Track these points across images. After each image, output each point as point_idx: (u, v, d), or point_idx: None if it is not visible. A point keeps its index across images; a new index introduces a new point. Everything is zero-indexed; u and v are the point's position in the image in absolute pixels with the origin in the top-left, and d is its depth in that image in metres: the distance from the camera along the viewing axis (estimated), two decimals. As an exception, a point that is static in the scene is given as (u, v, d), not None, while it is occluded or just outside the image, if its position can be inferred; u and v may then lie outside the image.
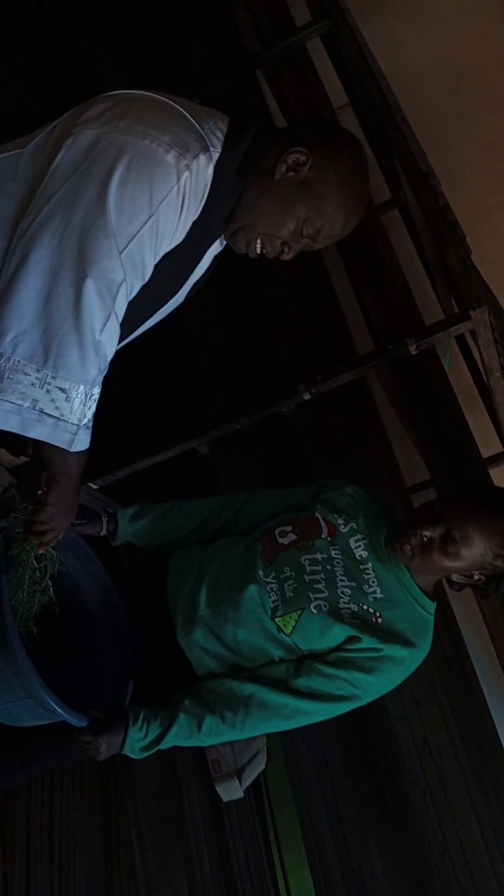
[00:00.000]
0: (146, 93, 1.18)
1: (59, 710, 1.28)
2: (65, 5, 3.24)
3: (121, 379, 1.18)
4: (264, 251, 1.29)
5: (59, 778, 2.46)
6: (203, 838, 2.26)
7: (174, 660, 1.49)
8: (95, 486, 2.14)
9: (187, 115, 1.17)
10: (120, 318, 1.14)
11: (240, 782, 2.23)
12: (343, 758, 1.97)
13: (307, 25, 2.45)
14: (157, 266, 1.18)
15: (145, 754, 1.39)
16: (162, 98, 1.18)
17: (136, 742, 1.37)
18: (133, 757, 1.39)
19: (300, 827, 2.00)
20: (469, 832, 1.82)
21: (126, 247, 1.10)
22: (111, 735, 1.36)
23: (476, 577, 1.47)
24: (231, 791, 2.23)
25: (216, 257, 1.38)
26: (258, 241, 1.27)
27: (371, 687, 1.42)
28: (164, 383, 2.68)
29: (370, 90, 2.37)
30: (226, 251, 1.38)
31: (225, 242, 1.34)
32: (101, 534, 1.58)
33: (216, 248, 1.34)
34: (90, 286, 1.07)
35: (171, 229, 1.16)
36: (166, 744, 1.38)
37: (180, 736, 1.38)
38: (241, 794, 2.24)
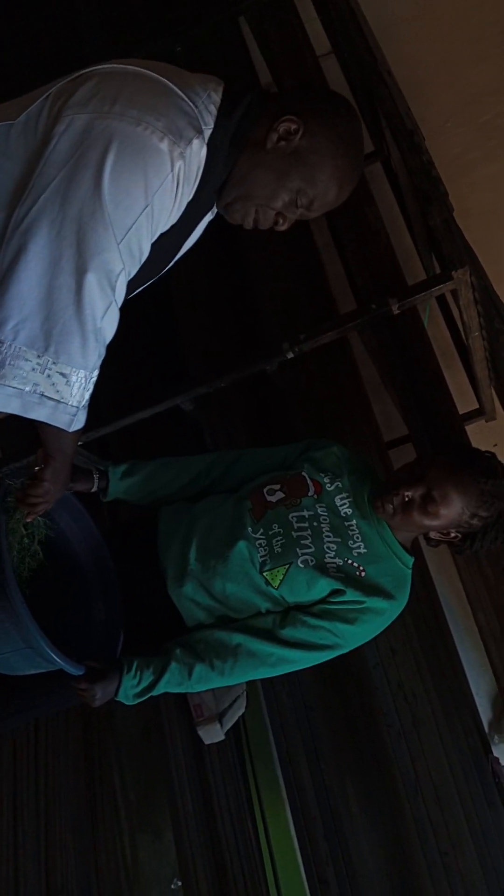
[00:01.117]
0: (137, 68, 1.15)
1: (58, 660, 1.32)
2: None
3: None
4: (259, 223, 1.29)
5: (44, 725, 2.53)
6: (185, 779, 2.34)
7: (165, 611, 1.54)
8: (79, 444, 2.16)
9: (180, 93, 1.14)
10: (119, 304, 1.16)
11: (221, 726, 2.31)
12: (322, 702, 2.06)
13: (292, -29, 2.40)
14: (152, 245, 1.18)
15: (138, 700, 1.45)
16: (153, 75, 1.15)
17: (130, 689, 1.43)
18: (126, 703, 1.45)
19: (280, 768, 2.09)
20: (440, 771, 1.92)
21: (124, 237, 1.10)
22: (106, 682, 1.41)
23: (453, 535, 1.53)
24: (213, 734, 2.31)
25: (208, 224, 1.38)
26: (252, 212, 1.27)
27: (353, 636, 1.49)
28: (147, 340, 2.67)
29: (355, 42, 2.34)
30: (216, 216, 1.38)
31: (216, 211, 1.34)
32: (93, 490, 1.61)
33: (208, 217, 1.34)
34: (91, 278, 1.08)
35: (167, 214, 1.17)
36: (158, 690, 1.44)
37: (171, 683, 1.44)
38: (223, 737, 2.32)
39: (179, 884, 2.40)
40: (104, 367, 1.17)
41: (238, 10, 2.63)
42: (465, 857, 1.88)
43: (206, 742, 2.33)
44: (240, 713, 2.51)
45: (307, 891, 1.99)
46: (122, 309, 1.16)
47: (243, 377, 2.08)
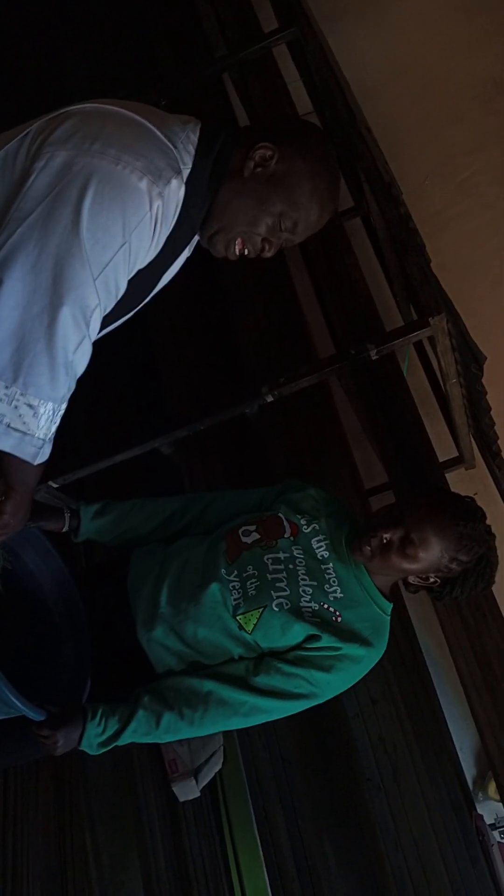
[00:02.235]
0: (118, 109, 1.18)
1: (18, 704, 1.27)
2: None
3: (83, 377, 1.19)
4: (246, 251, 1.30)
5: (13, 778, 2.43)
6: (159, 838, 2.26)
7: (134, 656, 1.50)
8: (56, 486, 2.14)
9: (159, 134, 1.17)
10: (93, 338, 1.15)
11: (196, 782, 2.23)
12: (299, 755, 2.00)
13: (275, 32, 2.49)
14: (129, 280, 1.19)
15: (102, 750, 1.39)
16: (133, 116, 1.17)
17: (94, 737, 1.37)
18: (90, 753, 1.39)
19: (256, 825, 2.02)
20: (421, 825, 1.86)
21: (101, 273, 1.11)
22: (69, 729, 1.35)
23: (432, 580, 1.51)
24: (187, 791, 2.23)
25: (190, 267, 1.39)
26: (237, 241, 1.28)
27: (329, 685, 1.45)
28: (126, 382, 2.67)
29: (335, 99, 2.41)
30: (195, 252, 1.39)
31: (194, 247, 1.35)
32: (63, 530, 1.58)
33: (185, 254, 1.35)
34: (65, 313, 1.08)
35: (144, 252, 1.18)
36: (124, 740, 1.38)
37: (138, 732, 1.39)
38: (198, 794, 2.24)
39: None
40: (84, 409, 1.16)
41: (222, 67, 2.71)
42: (448, 919, 1.81)
43: (181, 799, 2.26)
44: (216, 769, 2.43)
45: None
46: (105, 351, 1.16)
47: (223, 420, 2.08)
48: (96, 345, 1.21)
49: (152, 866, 2.24)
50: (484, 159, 3.74)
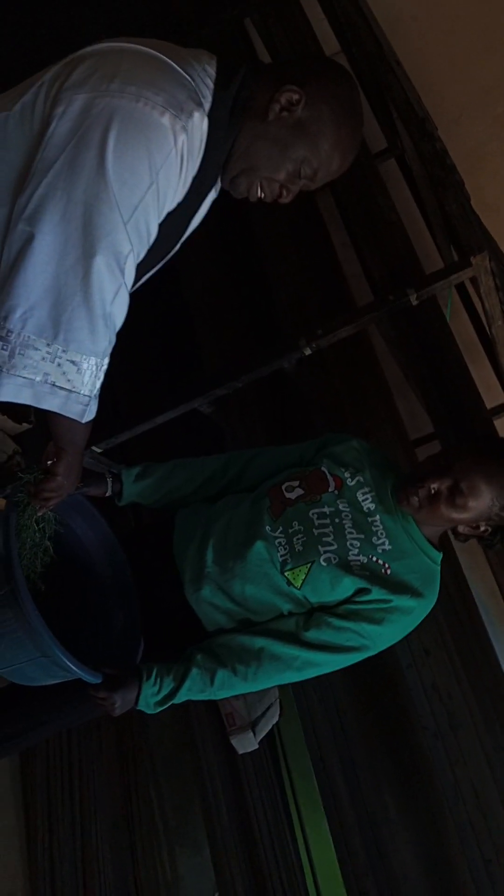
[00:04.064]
0: (132, 45, 1.14)
1: (74, 668, 1.29)
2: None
3: (119, 339, 1.17)
4: (262, 195, 1.26)
5: (76, 737, 2.51)
6: (220, 790, 2.31)
7: (184, 617, 1.50)
8: (99, 450, 2.14)
9: (177, 67, 1.13)
10: (129, 287, 1.14)
11: (254, 735, 2.26)
12: (354, 706, 2.00)
13: (295, -32, 2.38)
14: (159, 225, 1.16)
15: (160, 709, 1.41)
16: (149, 51, 1.14)
17: (151, 697, 1.39)
18: (147, 712, 1.41)
19: (315, 776, 2.04)
20: (480, 774, 1.85)
21: (131, 216, 1.09)
22: (125, 691, 1.37)
23: (482, 528, 1.47)
24: (246, 743, 2.27)
25: (213, 203, 1.36)
26: (258, 184, 1.24)
27: (380, 637, 1.44)
28: (163, 343, 2.66)
29: (361, 34, 2.31)
30: (220, 195, 1.35)
31: (220, 187, 1.31)
32: (107, 494, 1.58)
33: (213, 195, 1.32)
34: (99, 261, 1.07)
35: (173, 191, 1.15)
36: (180, 698, 1.40)
37: (193, 690, 1.40)
38: (256, 746, 2.28)
39: (220, 899, 2.35)
40: (123, 373, 1.15)
41: (243, 12, 2.62)
42: (511, 864, 1.81)
43: (240, 751, 2.29)
44: (273, 721, 2.46)
45: (348, 903, 1.92)
46: (139, 311, 1.14)
47: (261, 377, 2.05)
48: (132, 304, 1.20)
49: (215, 818, 2.29)
50: (522, 91, 3.57)
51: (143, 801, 2.57)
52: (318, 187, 1.28)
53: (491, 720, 1.90)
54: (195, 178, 1.18)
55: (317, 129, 1.19)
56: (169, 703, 1.40)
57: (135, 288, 1.30)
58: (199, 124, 1.12)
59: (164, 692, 1.39)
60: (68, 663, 1.28)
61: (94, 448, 2.12)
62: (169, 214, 1.17)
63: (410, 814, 1.91)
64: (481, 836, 1.81)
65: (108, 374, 1.19)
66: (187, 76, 1.13)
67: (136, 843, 2.48)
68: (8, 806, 2.43)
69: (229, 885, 2.18)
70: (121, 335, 1.19)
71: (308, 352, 1.98)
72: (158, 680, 1.39)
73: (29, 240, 1.06)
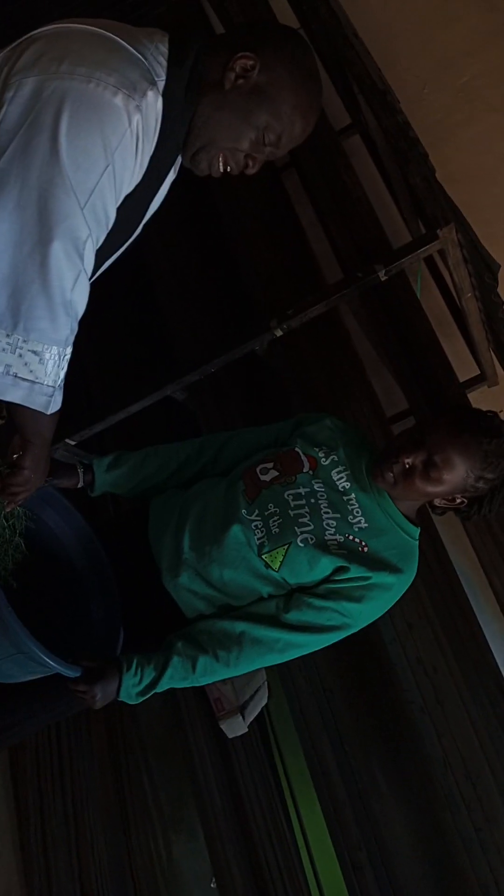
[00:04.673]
0: (81, 26, 1.11)
1: (51, 663, 1.28)
2: None
3: (88, 330, 1.15)
4: (228, 167, 1.24)
5: (65, 729, 2.49)
6: (212, 775, 2.31)
7: (163, 605, 1.50)
8: (73, 443, 2.12)
9: (128, 46, 1.10)
10: (89, 273, 1.11)
11: (243, 718, 2.27)
12: (340, 684, 2.01)
13: None
14: (118, 209, 1.14)
15: (142, 699, 1.40)
16: (98, 31, 1.11)
17: (132, 687, 1.38)
18: (129, 702, 1.40)
19: (304, 755, 2.05)
20: (468, 745, 1.87)
21: (88, 201, 1.06)
22: (106, 683, 1.36)
23: (458, 501, 1.47)
24: (235, 727, 2.27)
25: (172, 184, 1.33)
26: (220, 157, 1.22)
27: (361, 615, 1.44)
28: (134, 331, 2.63)
29: (319, 7, 2.28)
30: (182, 173, 1.33)
31: (178, 168, 1.29)
32: (79, 486, 1.57)
33: (171, 176, 1.29)
34: (56, 248, 1.04)
35: (130, 173, 1.12)
36: (162, 686, 1.39)
37: (175, 678, 1.39)
38: (246, 730, 2.28)
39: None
40: (94, 363, 1.13)
41: (199, -11, 2.58)
42: (502, 831, 1.83)
43: (230, 736, 2.29)
44: (262, 704, 2.47)
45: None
46: (107, 298, 1.12)
47: (233, 360, 2.04)
48: (98, 293, 1.18)
49: (208, 802, 2.29)
50: (484, 60, 3.53)
51: (135, 790, 2.57)
52: (283, 155, 1.27)
53: (476, 691, 1.91)
54: (152, 159, 1.15)
55: (275, 93, 1.17)
56: (151, 693, 1.39)
57: (97, 275, 1.27)
58: (154, 103, 1.10)
59: (146, 682, 1.38)
60: (45, 658, 1.26)
61: (68, 440, 2.10)
62: (127, 197, 1.15)
63: (400, 787, 1.93)
64: (471, 805, 1.83)
65: (78, 364, 1.17)
66: (139, 55, 1.10)
67: (131, 832, 2.48)
68: (-1, 801, 2.43)
69: (225, 869, 2.19)
70: (91, 325, 1.17)
71: (279, 333, 1.97)
72: (139, 670, 1.38)
73: None
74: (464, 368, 2.65)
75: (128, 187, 1.14)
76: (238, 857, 2.22)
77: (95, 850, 2.37)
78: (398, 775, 1.93)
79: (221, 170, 1.24)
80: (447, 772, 1.88)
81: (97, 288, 1.20)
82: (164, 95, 1.11)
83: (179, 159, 1.27)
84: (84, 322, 1.15)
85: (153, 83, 1.10)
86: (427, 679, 1.92)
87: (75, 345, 1.16)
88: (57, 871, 2.31)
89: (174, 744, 2.63)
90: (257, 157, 1.23)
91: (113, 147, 1.06)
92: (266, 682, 2.49)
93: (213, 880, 2.46)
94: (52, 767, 2.44)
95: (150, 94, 1.09)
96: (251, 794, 2.31)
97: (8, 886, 2.32)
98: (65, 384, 1.17)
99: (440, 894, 1.85)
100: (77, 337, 1.15)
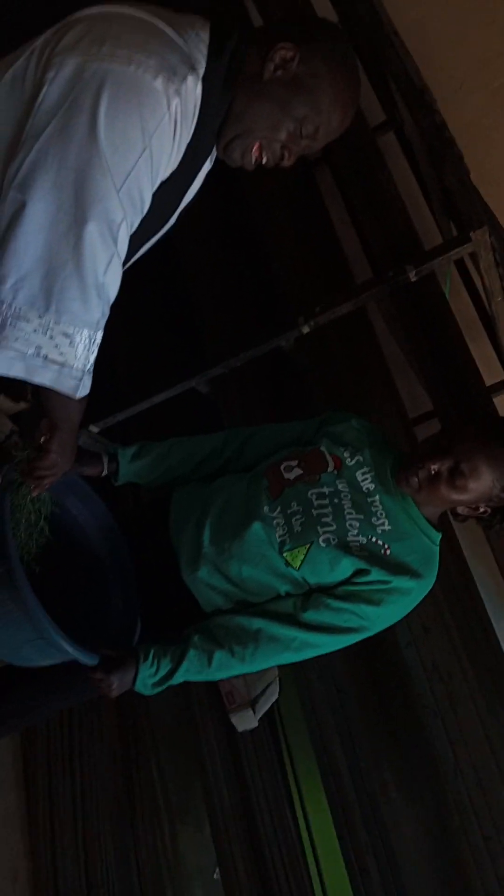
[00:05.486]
0: (124, 9, 1.11)
1: (70, 650, 1.29)
2: None
3: (116, 318, 1.15)
4: (264, 159, 1.23)
5: (77, 716, 2.51)
6: (221, 768, 2.31)
7: (182, 598, 1.50)
8: (96, 430, 2.13)
9: (169, 31, 1.10)
10: (122, 258, 1.11)
11: (254, 713, 2.27)
12: (354, 685, 2.00)
13: None
14: (153, 195, 1.13)
15: (157, 690, 1.40)
16: (140, 14, 1.11)
17: (148, 678, 1.38)
18: (145, 693, 1.40)
19: (315, 754, 2.04)
20: (480, 752, 1.86)
21: (124, 183, 1.06)
22: (122, 672, 1.37)
23: (482, 510, 1.46)
24: (246, 721, 2.27)
25: (210, 178, 1.33)
26: (255, 147, 1.21)
27: (379, 618, 1.43)
28: (161, 322, 2.63)
29: (358, 4, 2.26)
30: (216, 167, 1.32)
31: (215, 158, 1.28)
32: (103, 474, 1.57)
33: (207, 166, 1.29)
34: (91, 229, 1.04)
35: (167, 158, 1.12)
36: (177, 679, 1.39)
37: (191, 671, 1.39)
38: (256, 724, 2.28)
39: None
40: (121, 351, 1.12)
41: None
42: (511, 840, 1.82)
43: (240, 729, 2.29)
44: (273, 699, 2.47)
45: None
46: (138, 288, 1.11)
47: (259, 355, 2.03)
48: (129, 281, 1.17)
49: (215, 795, 2.30)
50: (521, 62, 3.50)
51: (143, 779, 2.58)
52: (317, 151, 1.26)
53: (491, 699, 1.90)
54: (189, 146, 1.15)
55: (314, 84, 1.16)
56: (166, 685, 1.40)
57: (130, 263, 1.27)
58: (193, 89, 1.10)
59: (162, 673, 1.38)
60: (64, 645, 1.27)
61: (91, 427, 2.11)
62: (163, 184, 1.15)
63: (410, 791, 1.92)
64: (481, 813, 1.82)
65: (106, 352, 1.17)
66: (180, 40, 1.10)
67: (137, 821, 2.50)
68: (9, 785, 2.44)
69: (230, 862, 2.19)
70: (120, 313, 1.17)
71: (306, 330, 1.96)
72: (155, 661, 1.38)
73: (21, 207, 1.03)
74: (490, 373, 2.62)
75: (164, 173, 1.14)
76: (243, 851, 2.23)
77: (102, 836, 2.39)
78: (408, 779, 1.93)
79: (254, 161, 1.23)
80: (457, 778, 1.87)
81: (129, 276, 1.19)
82: (203, 82, 1.11)
83: (215, 150, 1.26)
84: (113, 309, 1.15)
85: (193, 69, 1.09)
86: (441, 684, 1.91)
87: (104, 331, 1.15)
88: (63, 856, 2.33)
89: (184, 735, 2.63)
90: (293, 148, 1.22)
91: (151, 130, 1.06)
92: (278, 678, 2.49)
93: (217, 872, 2.47)
94: (63, 754, 2.46)
95: (190, 79, 1.08)
96: (258, 788, 2.31)
97: (15, 868, 2.34)
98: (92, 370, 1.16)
99: (446, 901, 1.84)
100: (106, 323, 1.15)
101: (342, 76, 1.18)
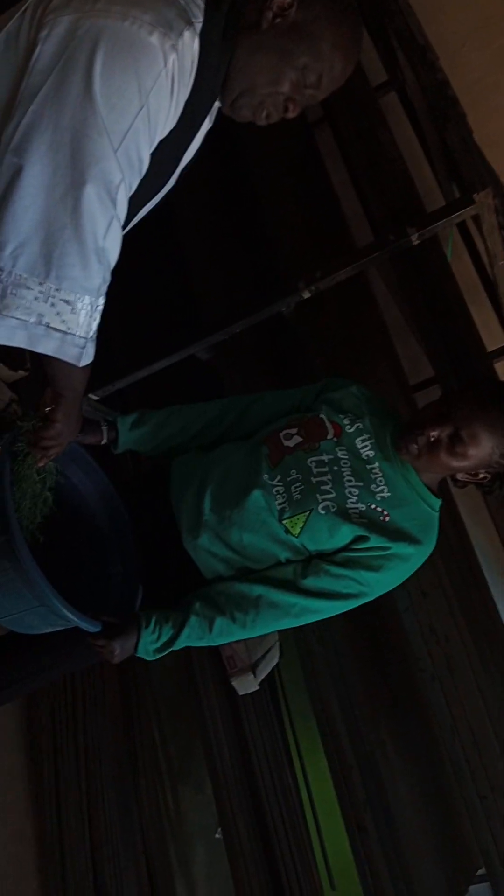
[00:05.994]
0: None
1: (72, 616, 1.30)
2: None
3: (115, 284, 1.13)
4: (267, 113, 1.20)
5: (80, 680, 2.54)
6: (222, 730, 2.34)
7: (183, 564, 1.51)
8: (96, 398, 2.12)
9: None
10: (122, 221, 1.09)
11: (255, 676, 2.29)
12: (352, 648, 2.02)
13: None
14: (151, 155, 1.11)
15: (158, 656, 1.42)
16: None
17: (150, 644, 1.40)
18: (147, 659, 1.42)
19: (314, 716, 2.07)
20: (476, 714, 1.88)
21: (121, 143, 1.03)
22: (124, 638, 1.38)
23: (481, 476, 1.46)
24: (247, 685, 2.30)
25: (208, 142, 1.30)
26: (263, 103, 1.19)
27: (378, 584, 1.44)
28: (161, 288, 2.60)
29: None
30: (212, 131, 1.29)
31: (214, 117, 1.25)
32: (103, 442, 1.57)
33: (207, 124, 1.26)
34: (89, 191, 1.02)
35: (164, 116, 1.09)
36: (179, 645, 1.41)
37: (192, 637, 1.41)
38: (257, 688, 2.31)
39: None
40: (119, 319, 1.10)
41: None
42: (506, 799, 1.85)
43: (241, 693, 2.32)
44: (273, 663, 2.49)
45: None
46: (135, 254, 1.09)
47: (259, 321, 2.01)
48: (127, 247, 1.15)
49: (216, 756, 2.33)
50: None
51: (146, 742, 2.62)
52: (318, 106, 1.22)
53: (487, 662, 1.92)
54: (188, 103, 1.12)
55: (314, 30, 1.13)
56: (168, 651, 1.41)
57: (129, 226, 1.25)
58: (190, 44, 1.06)
59: (163, 639, 1.40)
60: (66, 612, 1.28)
61: (90, 395, 2.10)
62: (161, 143, 1.12)
63: (407, 751, 1.95)
64: (476, 772, 1.85)
65: (104, 319, 1.15)
66: None
67: (140, 783, 2.54)
68: (14, 749, 2.49)
69: (231, 822, 2.23)
70: (117, 280, 1.15)
71: (307, 295, 1.94)
72: (157, 627, 1.39)
73: (17, 172, 1.01)
74: (492, 338, 2.61)
75: (162, 131, 1.11)
76: (244, 811, 2.27)
77: (105, 798, 2.43)
78: (406, 740, 1.96)
79: (265, 117, 1.21)
80: (454, 739, 1.90)
81: (127, 242, 1.17)
82: (200, 37, 1.08)
83: (216, 107, 1.23)
84: (112, 275, 1.14)
85: (190, 23, 1.06)
86: (439, 648, 1.93)
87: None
88: (68, 818, 2.39)
89: (185, 699, 2.67)
90: (298, 99, 1.19)
91: (148, 88, 1.03)
92: (278, 642, 2.52)
93: (218, 831, 2.52)
94: (67, 718, 2.50)
95: (187, 33, 1.05)
96: (259, 750, 2.35)
97: (21, 829, 2.39)
98: None
99: (442, 858, 1.89)
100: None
101: (342, 20, 1.15)
